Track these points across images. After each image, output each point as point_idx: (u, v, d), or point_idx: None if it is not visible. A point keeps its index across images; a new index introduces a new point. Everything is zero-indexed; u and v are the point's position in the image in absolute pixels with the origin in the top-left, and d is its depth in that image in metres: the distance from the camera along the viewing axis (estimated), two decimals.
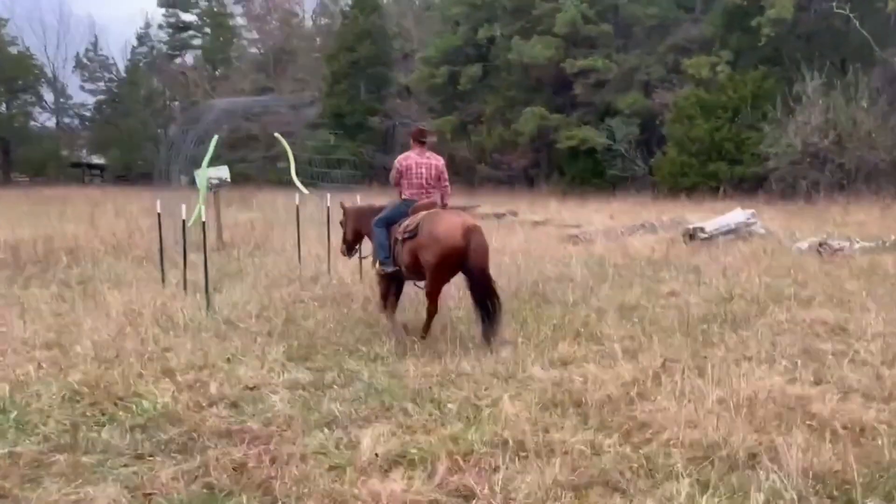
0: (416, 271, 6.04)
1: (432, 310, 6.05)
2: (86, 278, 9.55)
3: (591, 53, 26.88)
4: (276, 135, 8.75)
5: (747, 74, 23.12)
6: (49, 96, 56.34)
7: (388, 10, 40.51)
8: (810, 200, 19.52)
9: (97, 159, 59.65)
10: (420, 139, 6.55)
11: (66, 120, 60.57)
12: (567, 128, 27.68)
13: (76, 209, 21.76)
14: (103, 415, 4.50)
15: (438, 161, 6.53)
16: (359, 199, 10.14)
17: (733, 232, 12.65)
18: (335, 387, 4.98)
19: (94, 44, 61.31)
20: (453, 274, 5.98)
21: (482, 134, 31.21)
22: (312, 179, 9.90)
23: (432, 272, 5.84)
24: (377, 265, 6.44)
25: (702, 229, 12.14)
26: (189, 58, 57.98)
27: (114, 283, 9.07)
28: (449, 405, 4.53)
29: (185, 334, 6.41)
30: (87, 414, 4.51)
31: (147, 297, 7.88)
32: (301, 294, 8.25)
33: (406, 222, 6.08)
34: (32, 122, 54.42)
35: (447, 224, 5.76)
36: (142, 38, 61.95)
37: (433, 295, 6.00)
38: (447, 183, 6.59)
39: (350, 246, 7.46)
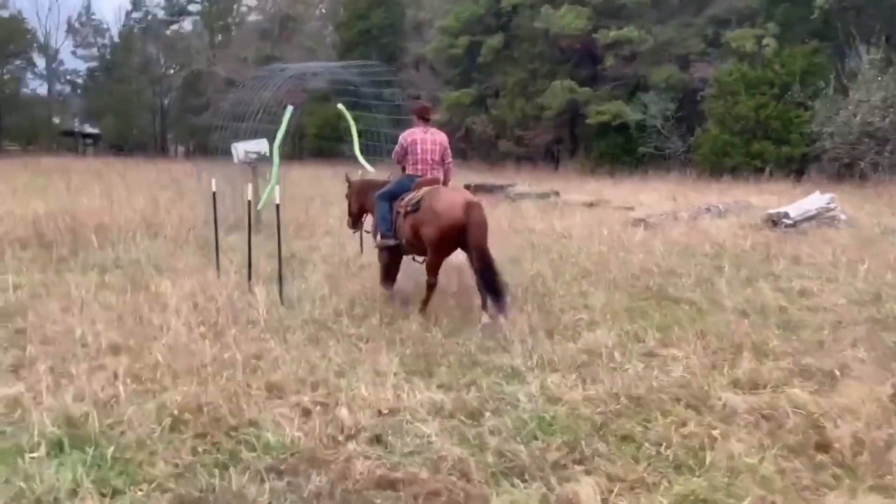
0: (417, 245, 6.21)
1: (432, 282, 6.12)
2: (125, 263, 8.63)
3: (625, 24, 25.71)
4: (340, 106, 7.81)
5: (796, 49, 22.05)
6: (41, 62, 54.60)
7: None
8: (865, 182, 18.68)
9: (90, 128, 58.12)
10: (424, 115, 6.63)
11: (58, 87, 59.02)
12: (596, 102, 26.62)
13: (82, 181, 20.70)
14: (219, 451, 3.65)
15: (443, 137, 6.62)
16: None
17: (814, 218, 11.81)
18: (488, 413, 4.14)
19: (87, 7, 59.86)
20: (453, 249, 6.05)
21: (503, 107, 30.12)
22: (368, 155, 8.95)
23: (433, 246, 5.96)
24: (378, 238, 6.57)
25: (786, 215, 11.28)
26: (187, 24, 56.36)
27: (160, 269, 8.19)
28: (646, 444, 3.69)
29: (270, 337, 5.54)
30: (199, 450, 3.65)
31: (205, 287, 7.00)
32: (376, 286, 7.37)
33: (409, 196, 6.23)
34: (23, 89, 52.71)
35: (448, 199, 5.88)
36: (136, 3, 60.19)
37: (433, 268, 6.09)
38: (451, 160, 6.70)
39: (355, 219, 7.59)
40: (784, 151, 21.27)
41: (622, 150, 26.53)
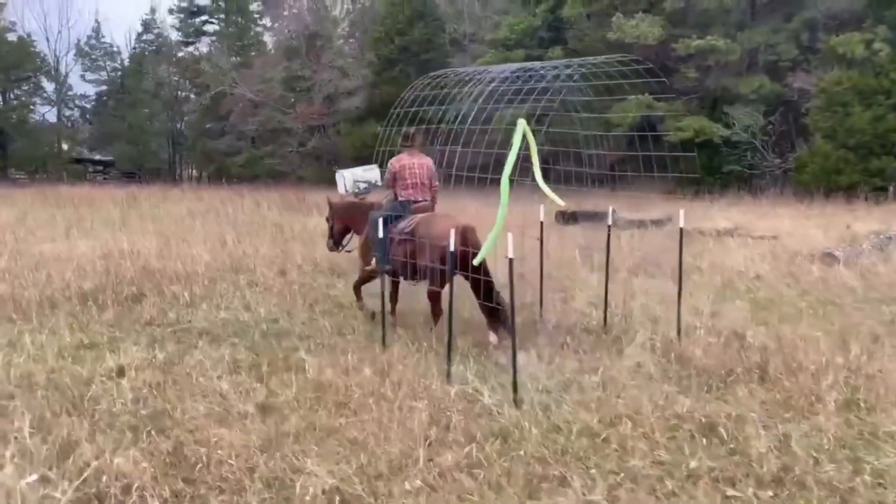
0: (412, 271, 6.36)
1: (437, 311, 6.22)
2: (238, 327, 6.84)
3: (707, 32, 24.05)
4: (521, 120, 6.02)
5: None
6: (49, 87, 53.58)
7: None
8: None
9: (99, 155, 56.97)
10: (407, 143, 6.82)
11: (66, 112, 58.08)
12: (672, 117, 24.89)
13: (116, 214, 19.07)
14: None
15: (429, 162, 6.82)
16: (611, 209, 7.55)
17: None
18: None
19: (97, 30, 58.93)
20: (452, 275, 5.79)
21: (564, 125, 28.38)
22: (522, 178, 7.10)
23: (432, 274, 6.09)
24: (373, 263, 6.72)
25: None
26: (202, 45, 55.38)
27: (301, 339, 6.40)
28: None
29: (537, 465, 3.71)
30: None
31: (394, 372, 5.20)
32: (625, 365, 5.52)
33: (403, 223, 6.41)
34: (32, 115, 51.58)
35: (444, 226, 5.91)
36: (147, 25, 59.47)
37: (435, 296, 6.21)
38: (437, 183, 6.91)
39: (337, 241, 7.77)
40: None
41: (704, 170, 24.69)
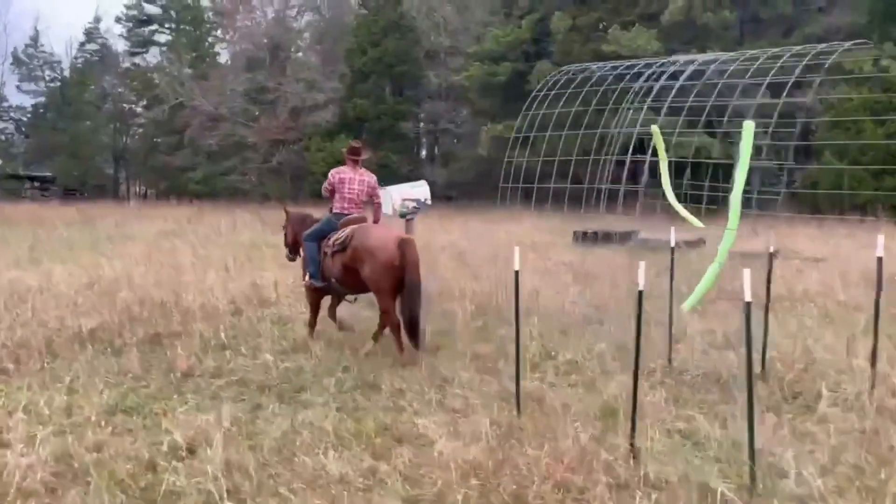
0: (348, 284, 6.45)
1: (392, 323, 6.16)
2: (323, 385, 5.56)
3: (707, 46, 23.71)
4: (654, 127, 5.02)
5: None
6: None
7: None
8: None
9: (36, 171, 53.94)
10: (355, 155, 6.90)
11: (1, 125, 55.14)
12: (675, 134, 24.36)
13: (76, 235, 17.36)
14: None
15: (371, 178, 6.95)
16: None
17: None
18: None
19: (35, 39, 56.04)
20: (397, 285, 6.04)
21: (554, 141, 27.69)
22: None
23: (375, 286, 6.14)
24: (306, 278, 6.81)
25: None
26: (151, 55, 53.21)
27: (392, 397, 5.19)
28: None
29: None
30: None
31: (536, 442, 4.08)
32: None
33: (335, 235, 6.49)
34: None
35: (380, 236, 6.14)
36: (91, 33, 57.11)
37: (385, 309, 6.18)
38: (379, 199, 7.09)
39: (292, 250, 7.75)
40: None
41: (698, 187, 24.18)
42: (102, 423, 4.57)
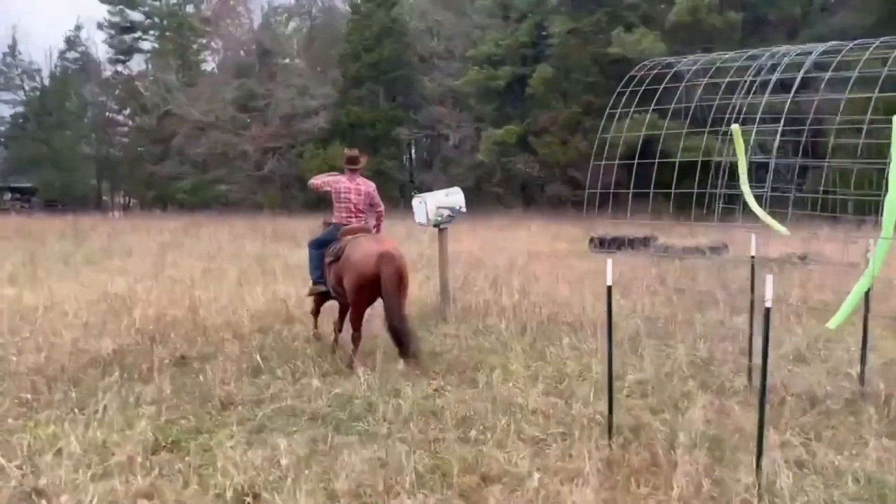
0: (342, 294, 6.52)
1: (356, 336, 6.25)
2: (382, 414, 5.08)
3: (710, 48, 23.50)
4: (734, 126, 4.71)
5: None
6: None
7: (407, 2, 36.18)
8: None
9: (16, 182, 52.92)
10: (351, 165, 6.86)
11: None
12: (673, 136, 24.06)
13: (71, 248, 16.73)
14: None
15: (369, 186, 6.91)
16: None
17: None
18: None
19: (13, 47, 55.16)
20: (372, 299, 6.20)
21: (554, 146, 27.36)
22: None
23: (351, 298, 6.24)
24: (312, 284, 7.01)
25: None
26: (135, 63, 52.48)
27: (460, 428, 4.73)
28: None
29: None
30: None
31: (641, 478, 3.66)
32: None
33: (333, 246, 6.62)
34: None
35: (363, 251, 6.16)
36: (72, 42, 56.35)
37: (355, 321, 6.28)
38: (381, 207, 7.05)
39: None
40: None
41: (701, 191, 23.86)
42: (148, 463, 4.07)
